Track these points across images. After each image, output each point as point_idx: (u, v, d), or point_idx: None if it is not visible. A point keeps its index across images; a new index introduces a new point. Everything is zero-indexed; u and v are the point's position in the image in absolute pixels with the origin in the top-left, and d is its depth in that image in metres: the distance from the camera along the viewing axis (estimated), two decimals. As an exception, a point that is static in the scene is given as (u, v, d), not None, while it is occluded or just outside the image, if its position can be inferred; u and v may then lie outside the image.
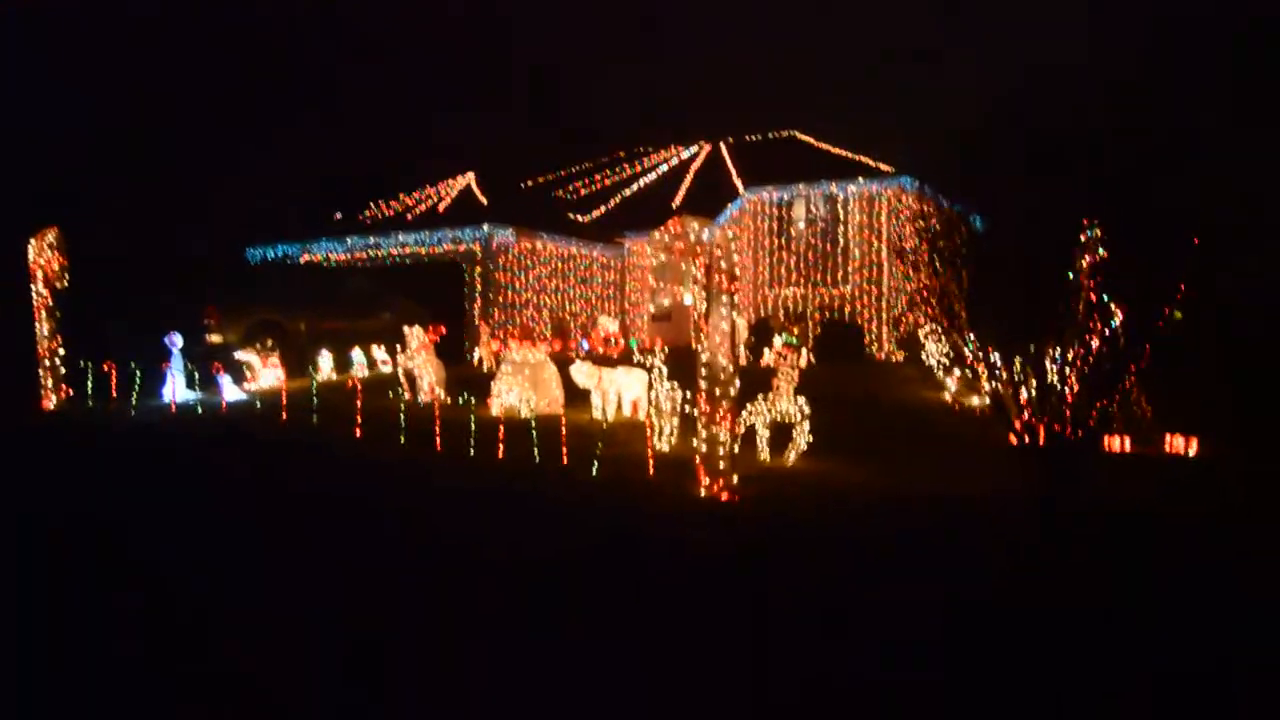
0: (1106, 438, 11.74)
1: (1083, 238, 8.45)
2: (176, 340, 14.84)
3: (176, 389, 14.72)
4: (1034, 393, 8.44)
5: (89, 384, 14.96)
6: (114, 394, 14.61)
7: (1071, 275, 8.41)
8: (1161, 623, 5.84)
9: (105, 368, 14.93)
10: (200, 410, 13.74)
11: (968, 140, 9.20)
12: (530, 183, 35.20)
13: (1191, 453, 12.15)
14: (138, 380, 14.38)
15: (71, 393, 15.03)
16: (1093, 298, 8.20)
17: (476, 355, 20.72)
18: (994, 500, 9.09)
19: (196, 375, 15.38)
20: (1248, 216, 8.25)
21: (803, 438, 10.76)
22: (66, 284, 15.02)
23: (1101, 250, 8.24)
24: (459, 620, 5.78)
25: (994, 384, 8.83)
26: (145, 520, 8.21)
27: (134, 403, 14.12)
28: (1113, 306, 8.11)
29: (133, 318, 19.17)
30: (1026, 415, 8.53)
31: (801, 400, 10.74)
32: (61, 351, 14.94)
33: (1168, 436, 12.39)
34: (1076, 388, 8.28)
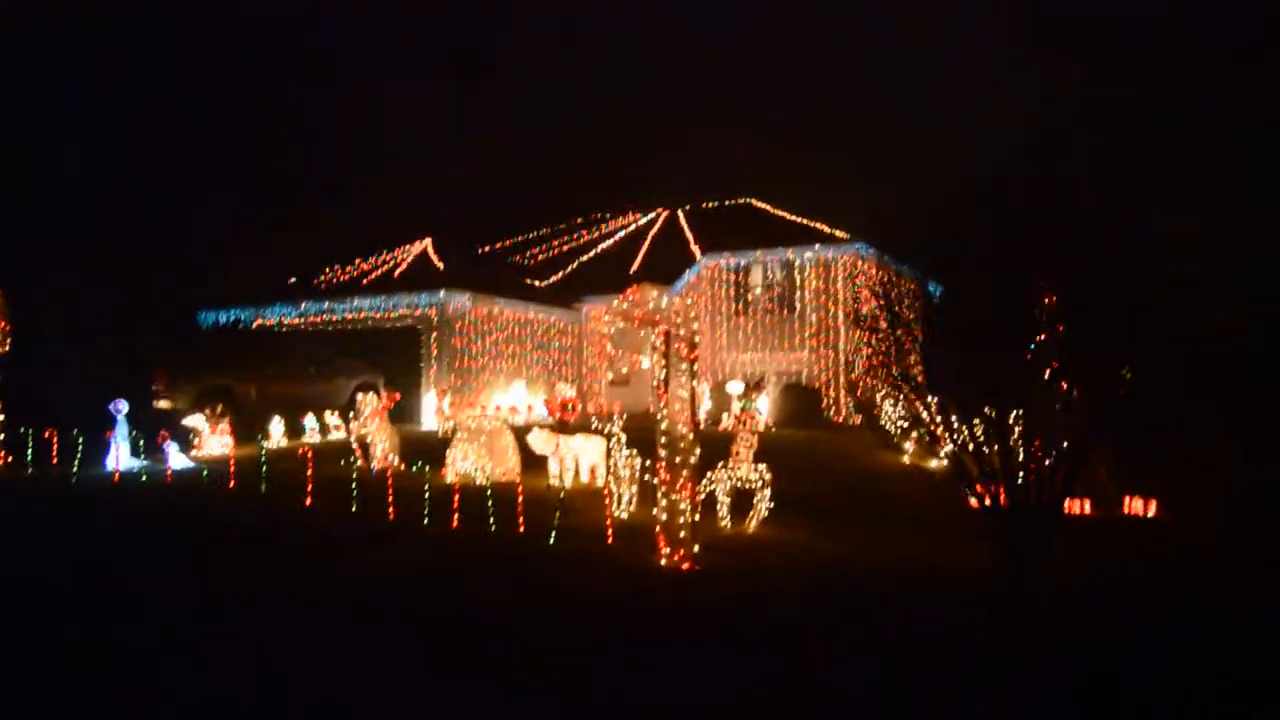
0: (1067, 500, 11.72)
1: (1045, 303, 8.46)
2: (122, 406, 14.42)
3: (121, 457, 14.26)
4: (995, 456, 8.34)
5: (29, 451, 14.46)
6: (55, 461, 14.11)
7: (1033, 342, 8.40)
8: None
9: (46, 435, 14.45)
10: (144, 479, 13.30)
11: (926, 209, 9.26)
12: (487, 248, 35.23)
13: (1150, 514, 12.19)
14: (79, 448, 13.93)
15: (10, 460, 14.52)
16: (1054, 364, 8.19)
17: (436, 421, 20.47)
18: (954, 570, 8.97)
19: (142, 442, 14.93)
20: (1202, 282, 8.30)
21: (764, 504, 10.63)
22: (8, 348, 14.61)
23: (1058, 322, 8.25)
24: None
25: (954, 446, 8.73)
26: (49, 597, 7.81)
27: (75, 471, 13.65)
28: (1071, 375, 8.10)
29: (78, 382, 18.70)
30: (987, 479, 8.43)
31: (762, 466, 10.64)
32: (1, 417, 14.47)
33: (1126, 499, 12.43)
34: (1039, 452, 8.20)
